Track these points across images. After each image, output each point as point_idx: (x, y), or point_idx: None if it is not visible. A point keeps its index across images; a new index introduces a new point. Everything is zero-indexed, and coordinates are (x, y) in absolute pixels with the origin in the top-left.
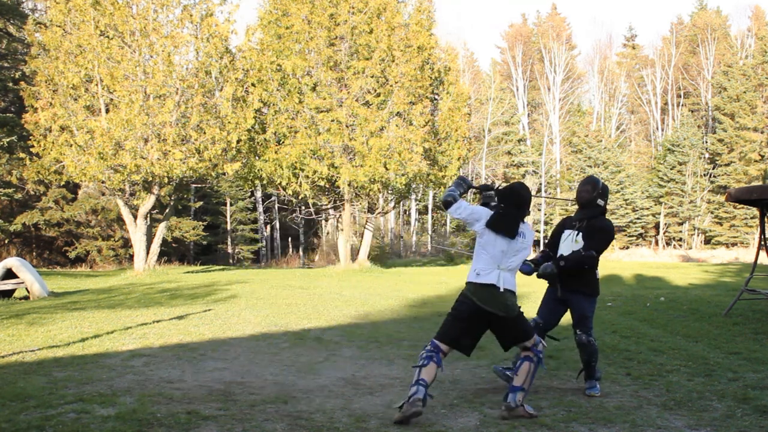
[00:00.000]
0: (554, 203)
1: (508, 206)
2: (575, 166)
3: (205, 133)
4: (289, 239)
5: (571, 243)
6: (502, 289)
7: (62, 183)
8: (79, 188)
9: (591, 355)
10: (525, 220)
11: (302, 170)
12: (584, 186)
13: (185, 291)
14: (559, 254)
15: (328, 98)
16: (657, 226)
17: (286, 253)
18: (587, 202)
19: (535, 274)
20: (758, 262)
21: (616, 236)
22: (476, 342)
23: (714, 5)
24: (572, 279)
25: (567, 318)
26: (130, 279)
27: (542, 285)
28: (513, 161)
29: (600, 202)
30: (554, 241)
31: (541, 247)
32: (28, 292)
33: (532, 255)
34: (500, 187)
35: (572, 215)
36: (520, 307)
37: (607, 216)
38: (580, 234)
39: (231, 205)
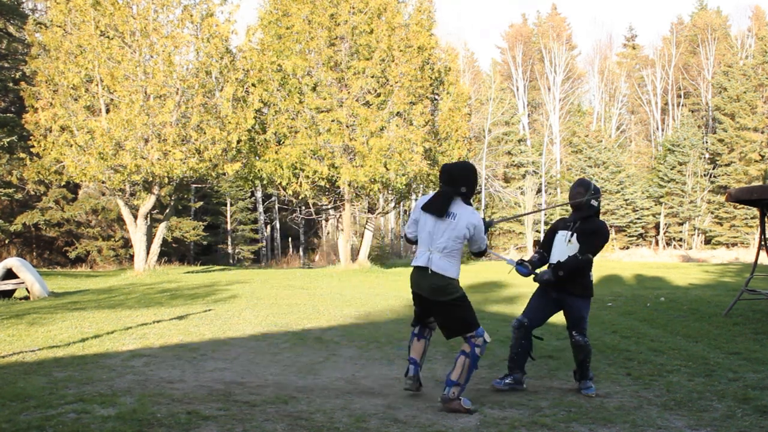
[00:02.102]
0: (554, 204)
1: (442, 184)
2: (575, 166)
3: (205, 133)
4: (289, 239)
5: (564, 243)
6: (430, 271)
7: (62, 183)
8: (80, 188)
9: (586, 355)
10: (468, 203)
11: (302, 170)
12: (577, 189)
13: (185, 291)
14: (553, 258)
15: (328, 98)
16: (657, 226)
17: (287, 253)
18: (580, 204)
19: (532, 277)
20: (758, 262)
21: (616, 236)
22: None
23: (714, 5)
24: (567, 281)
25: (559, 318)
26: (131, 279)
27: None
28: (513, 161)
29: (593, 203)
30: (548, 241)
31: (536, 247)
32: (29, 292)
33: (528, 255)
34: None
35: (566, 217)
36: (459, 295)
37: (606, 216)
38: (574, 235)
39: (231, 205)
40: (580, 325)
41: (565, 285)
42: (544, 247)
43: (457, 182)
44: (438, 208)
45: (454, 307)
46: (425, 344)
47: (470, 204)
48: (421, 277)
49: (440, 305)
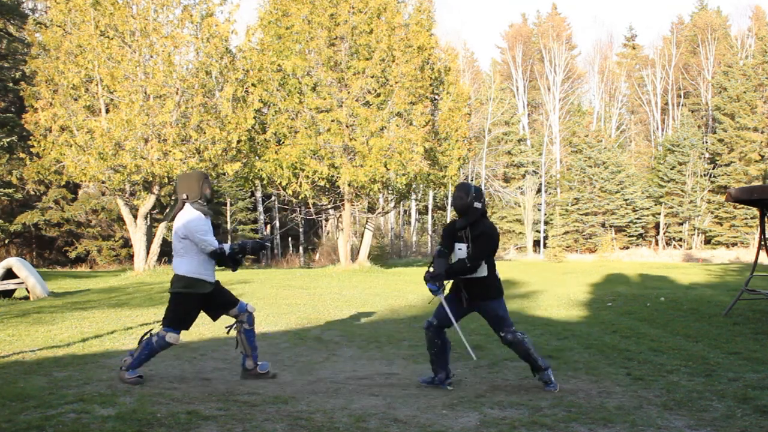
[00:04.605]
0: (553, 203)
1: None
2: (575, 166)
3: (205, 133)
4: (289, 239)
5: (464, 255)
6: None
7: (62, 183)
8: (79, 188)
9: (526, 349)
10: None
11: (302, 170)
12: (458, 193)
13: None
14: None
15: (328, 98)
16: (657, 226)
17: (286, 253)
18: (464, 209)
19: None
20: (758, 261)
21: (616, 236)
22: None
23: (714, 5)
24: (476, 288)
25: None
26: (131, 279)
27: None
28: (513, 161)
29: (477, 205)
30: (448, 243)
31: (439, 246)
32: (29, 292)
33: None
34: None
35: (458, 219)
36: (177, 288)
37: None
38: (470, 247)
39: (231, 205)
40: (502, 323)
41: (475, 292)
42: (446, 246)
43: None
44: None
45: None
46: None
47: None
48: None
49: None
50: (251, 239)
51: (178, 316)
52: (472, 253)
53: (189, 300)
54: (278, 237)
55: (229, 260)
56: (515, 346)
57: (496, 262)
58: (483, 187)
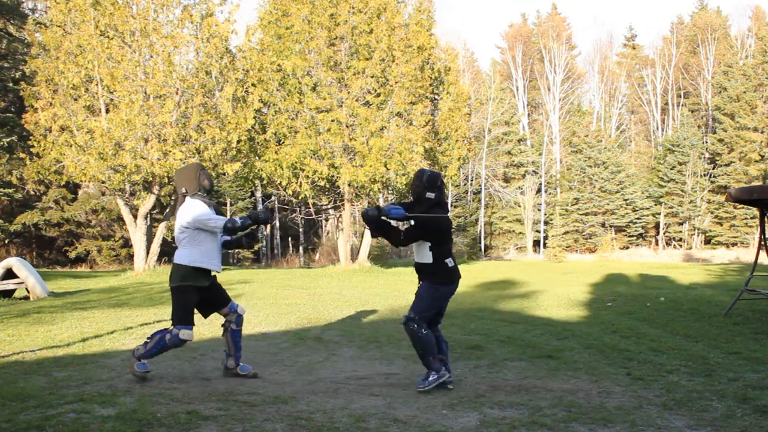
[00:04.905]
0: (553, 203)
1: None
2: (575, 166)
3: (205, 133)
4: (289, 239)
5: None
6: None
7: (62, 183)
8: (79, 188)
9: (415, 345)
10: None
11: (302, 170)
12: (414, 180)
13: None
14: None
15: (328, 98)
16: (657, 226)
17: (286, 253)
18: (417, 196)
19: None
20: (758, 261)
21: (616, 236)
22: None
23: (714, 5)
24: (420, 271)
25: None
26: (131, 279)
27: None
28: (513, 161)
29: (429, 195)
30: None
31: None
32: (29, 292)
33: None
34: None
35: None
36: (176, 282)
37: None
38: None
39: (231, 205)
40: (414, 306)
41: (421, 274)
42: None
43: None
44: None
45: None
46: None
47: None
48: None
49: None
50: (264, 208)
51: (182, 311)
52: (405, 231)
53: (188, 293)
54: (278, 237)
55: (243, 234)
56: (408, 334)
57: (453, 256)
58: (483, 184)
